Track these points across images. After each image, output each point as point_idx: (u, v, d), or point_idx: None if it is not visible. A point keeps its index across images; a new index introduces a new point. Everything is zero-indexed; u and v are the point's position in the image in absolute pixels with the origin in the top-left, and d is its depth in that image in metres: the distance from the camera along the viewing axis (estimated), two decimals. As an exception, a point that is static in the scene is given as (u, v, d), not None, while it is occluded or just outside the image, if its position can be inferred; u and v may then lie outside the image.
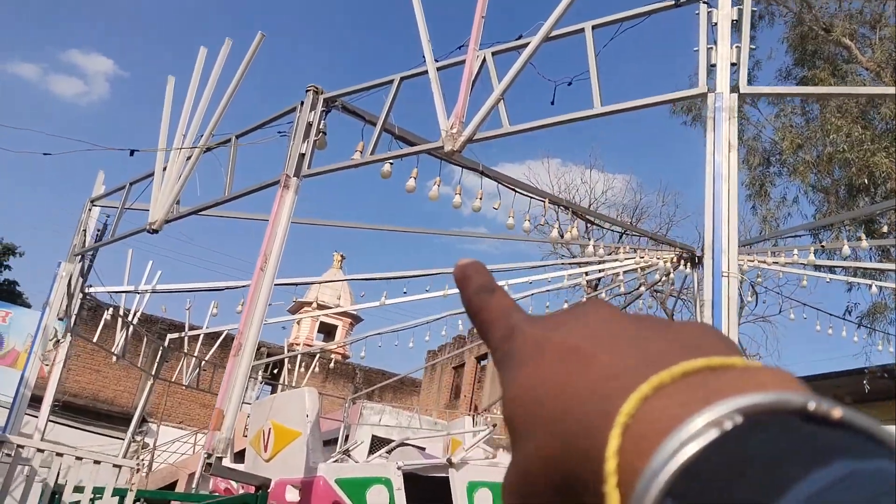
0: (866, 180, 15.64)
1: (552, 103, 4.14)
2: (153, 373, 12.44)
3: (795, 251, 9.61)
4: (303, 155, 4.37)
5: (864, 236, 8.66)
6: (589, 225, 21.49)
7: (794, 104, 19.23)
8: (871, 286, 11.03)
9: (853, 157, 16.22)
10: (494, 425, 8.09)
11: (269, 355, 17.77)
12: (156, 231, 5.62)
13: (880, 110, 16.52)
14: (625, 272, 11.33)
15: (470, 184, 6.51)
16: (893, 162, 15.81)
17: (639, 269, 11.23)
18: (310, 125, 4.45)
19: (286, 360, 14.81)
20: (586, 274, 11.67)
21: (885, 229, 9.45)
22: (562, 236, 7.84)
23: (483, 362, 24.74)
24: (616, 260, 10.38)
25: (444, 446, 8.50)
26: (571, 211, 7.77)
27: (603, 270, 12.08)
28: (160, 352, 12.69)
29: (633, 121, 64.22)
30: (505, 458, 12.17)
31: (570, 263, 11.85)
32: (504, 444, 19.01)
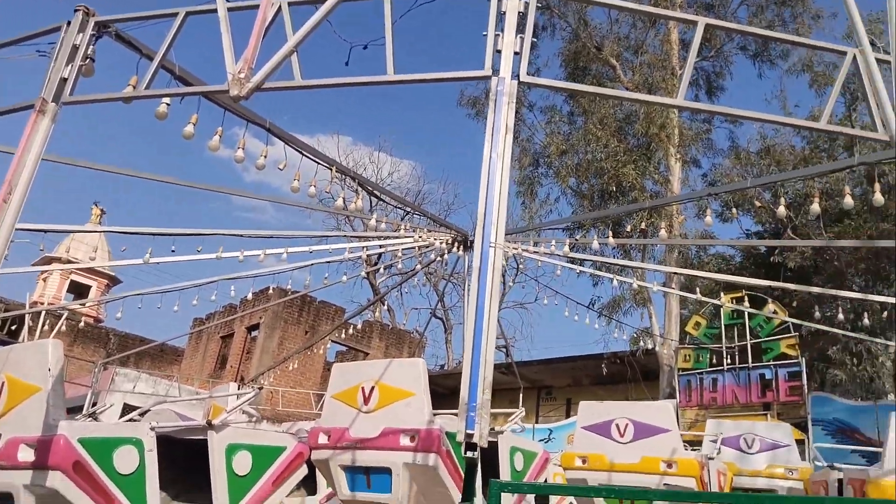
0: (614, 188, 17.69)
1: (346, 64, 4.16)
2: None
3: (553, 243, 10.62)
4: (65, 80, 3.90)
5: (611, 234, 9.82)
6: (374, 202, 21.75)
7: (563, 114, 21.16)
8: (612, 280, 12.52)
9: (608, 166, 18.25)
10: (260, 388, 7.91)
11: (6, 311, 15.75)
12: None
13: (634, 127, 18.76)
14: (403, 250, 11.69)
15: (255, 149, 6.29)
16: (640, 174, 18.07)
17: (417, 248, 11.65)
18: (76, 48, 3.99)
19: (28, 318, 13.16)
20: (366, 249, 11.84)
21: (628, 229, 10.85)
22: (346, 207, 7.89)
23: (254, 333, 24.03)
24: (397, 237, 10.67)
25: (204, 412, 8.17)
26: (357, 182, 7.84)
27: (384, 247, 12.35)
28: None
29: (423, 110, 66.07)
30: (268, 426, 11.97)
31: (352, 237, 11.95)
32: (269, 415, 18.70)
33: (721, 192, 11.58)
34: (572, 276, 12.92)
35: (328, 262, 11.68)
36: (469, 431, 2.73)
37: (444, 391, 20.65)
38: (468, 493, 2.96)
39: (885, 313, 13.01)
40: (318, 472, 6.71)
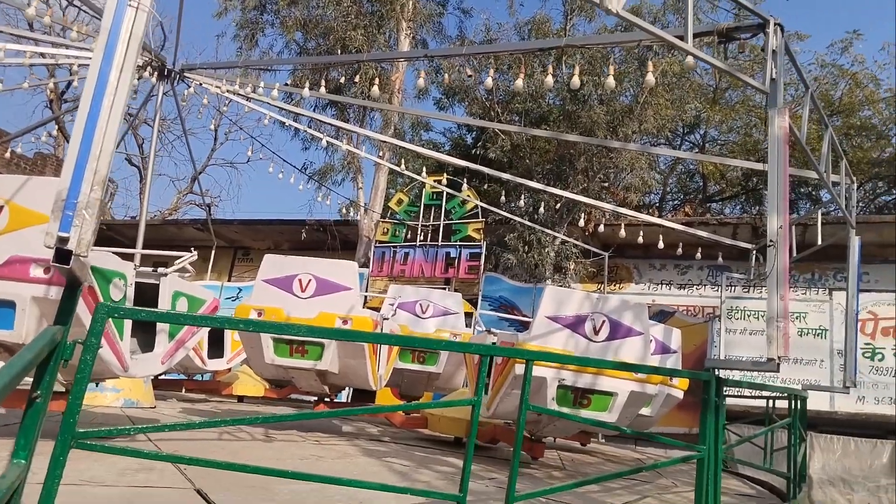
0: (340, 51, 16.91)
1: None
2: None
3: (262, 85, 9.74)
4: None
5: (324, 84, 9.24)
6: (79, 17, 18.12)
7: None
8: (323, 140, 12.05)
9: (337, 26, 17.34)
10: None
11: None
12: None
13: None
14: (81, 66, 9.85)
15: None
16: (368, 42, 17.49)
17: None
18: None
19: None
20: (30, 55, 9.68)
21: (342, 80, 10.42)
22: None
23: None
24: (65, 46, 8.79)
25: None
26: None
27: (54, 57, 10.26)
28: None
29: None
30: None
31: (9, 33, 9.65)
32: None
33: (434, 55, 11.79)
34: (285, 139, 12.23)
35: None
36: (63, 234, 2.08)
37: (127, 242, 18.83)
38: (62, 316, 2.32)
39: (557, 206, 14.62)
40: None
